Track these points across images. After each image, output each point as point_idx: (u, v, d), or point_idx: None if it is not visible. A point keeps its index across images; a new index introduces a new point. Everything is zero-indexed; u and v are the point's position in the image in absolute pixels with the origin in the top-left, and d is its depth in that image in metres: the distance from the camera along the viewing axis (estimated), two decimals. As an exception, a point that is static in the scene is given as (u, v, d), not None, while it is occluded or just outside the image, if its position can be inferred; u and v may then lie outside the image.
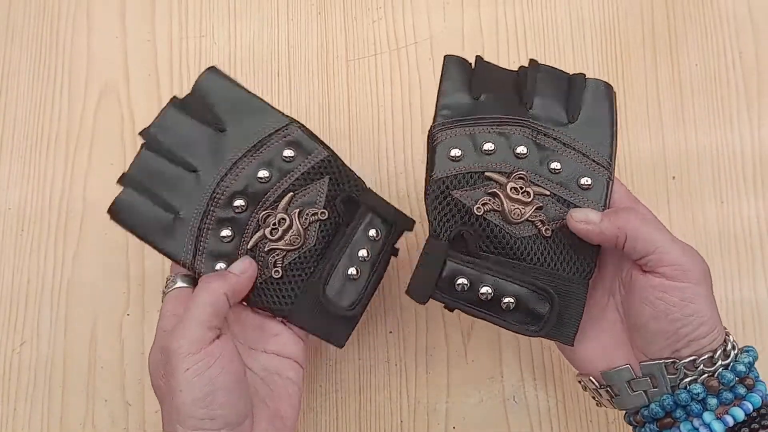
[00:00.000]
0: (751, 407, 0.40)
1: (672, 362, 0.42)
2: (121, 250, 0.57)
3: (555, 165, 0.46)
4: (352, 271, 0.46)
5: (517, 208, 0.45)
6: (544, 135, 0.47)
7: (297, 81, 0.61)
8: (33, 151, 0.60)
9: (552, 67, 0.49)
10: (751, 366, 0.42)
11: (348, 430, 0.54)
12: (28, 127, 0.60)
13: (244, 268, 0.45)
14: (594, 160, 0.47)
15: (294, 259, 0.46)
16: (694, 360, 0.41)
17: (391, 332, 0.55)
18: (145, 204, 0.45)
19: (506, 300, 0.43)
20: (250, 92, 0.47)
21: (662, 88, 0.60)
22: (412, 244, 0.57)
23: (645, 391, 0.43)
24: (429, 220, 0.45)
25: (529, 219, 0.45)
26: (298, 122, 0.47)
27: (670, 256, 0.41)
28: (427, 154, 0.46)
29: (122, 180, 0.45)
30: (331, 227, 0.47)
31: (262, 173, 0.46)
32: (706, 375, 0.41)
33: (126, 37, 0.62)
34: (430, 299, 0.44)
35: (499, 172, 0.46)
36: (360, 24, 0.62)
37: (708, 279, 0.42)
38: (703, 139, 0.59)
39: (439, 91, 0.48)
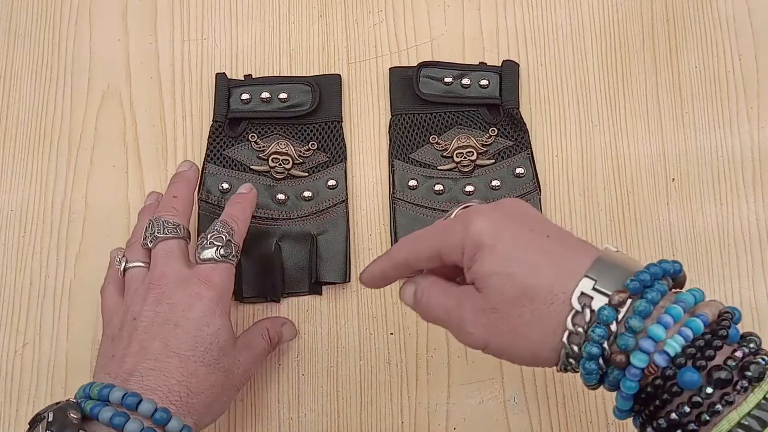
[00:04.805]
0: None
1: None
2: (123, 251, 0.58)
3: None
4: None
5: None
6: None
7: (298, 83, 0.61)
8: (35, 153, 0.60)
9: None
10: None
11: (349, 431, 0.54)
12: (30, 129, 0.60)
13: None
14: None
15: None
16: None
17: (392, 334, 0.56)
18: None
19: None
20: None
21: (662, 90, 0.60)
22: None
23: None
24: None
25: None
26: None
27: None
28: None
29: None
30: None
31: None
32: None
33: (128, 40, 0.62)
34: None
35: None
36: (361, 27, 0.62)
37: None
38: (702, 141, 0.59)
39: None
